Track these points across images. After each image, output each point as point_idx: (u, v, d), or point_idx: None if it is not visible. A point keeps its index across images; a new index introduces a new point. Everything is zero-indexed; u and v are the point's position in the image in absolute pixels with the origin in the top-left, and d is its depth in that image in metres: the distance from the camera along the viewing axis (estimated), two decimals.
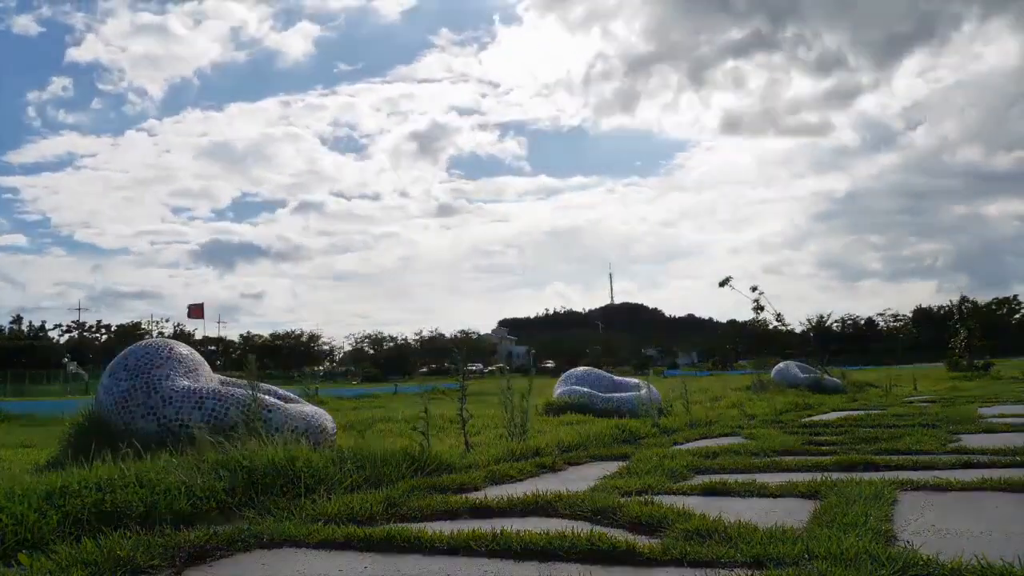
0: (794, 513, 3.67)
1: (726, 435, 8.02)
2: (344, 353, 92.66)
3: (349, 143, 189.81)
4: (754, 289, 21.52)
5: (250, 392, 5.78)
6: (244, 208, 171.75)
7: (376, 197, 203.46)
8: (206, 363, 6.92)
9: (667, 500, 3.91)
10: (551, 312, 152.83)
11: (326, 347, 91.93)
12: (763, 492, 4.26)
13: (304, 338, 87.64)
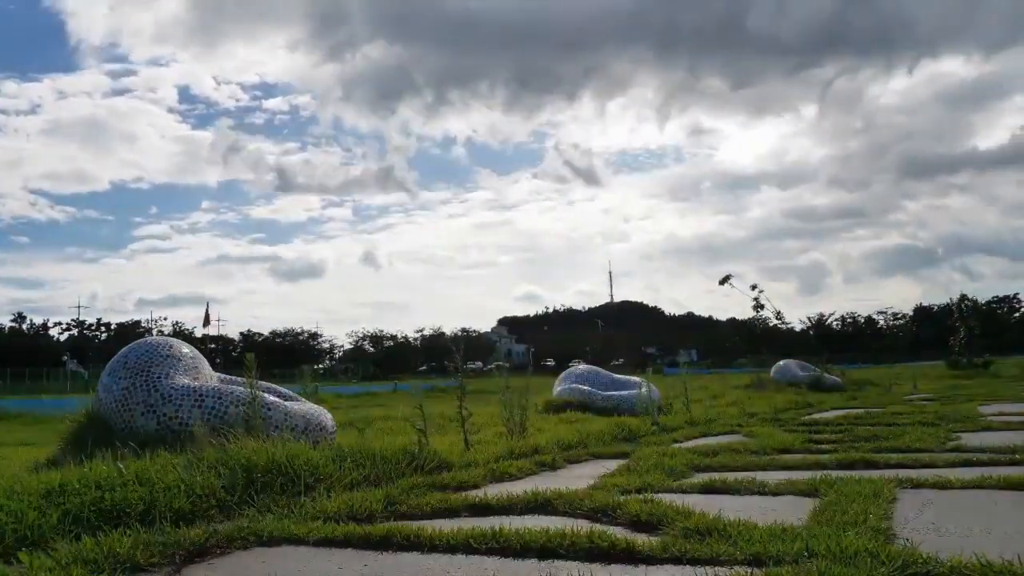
0: (794, 511, 3.67)
1: (726, 433, 8.02)
2: (343, 351, 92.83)
3: (208, 119, 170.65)
4: (754, 287, 21.59)
5: (249, 390, 5.78)
6: (135, 196, 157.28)
7: (285, 186, 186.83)
8: (206, 361, 6.92)
9: (667, 498, 3.91)
10: (551, 311, 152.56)
11: (326, 345, 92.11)
12: (763, 490, 4.27)
13: (304, 336, 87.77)
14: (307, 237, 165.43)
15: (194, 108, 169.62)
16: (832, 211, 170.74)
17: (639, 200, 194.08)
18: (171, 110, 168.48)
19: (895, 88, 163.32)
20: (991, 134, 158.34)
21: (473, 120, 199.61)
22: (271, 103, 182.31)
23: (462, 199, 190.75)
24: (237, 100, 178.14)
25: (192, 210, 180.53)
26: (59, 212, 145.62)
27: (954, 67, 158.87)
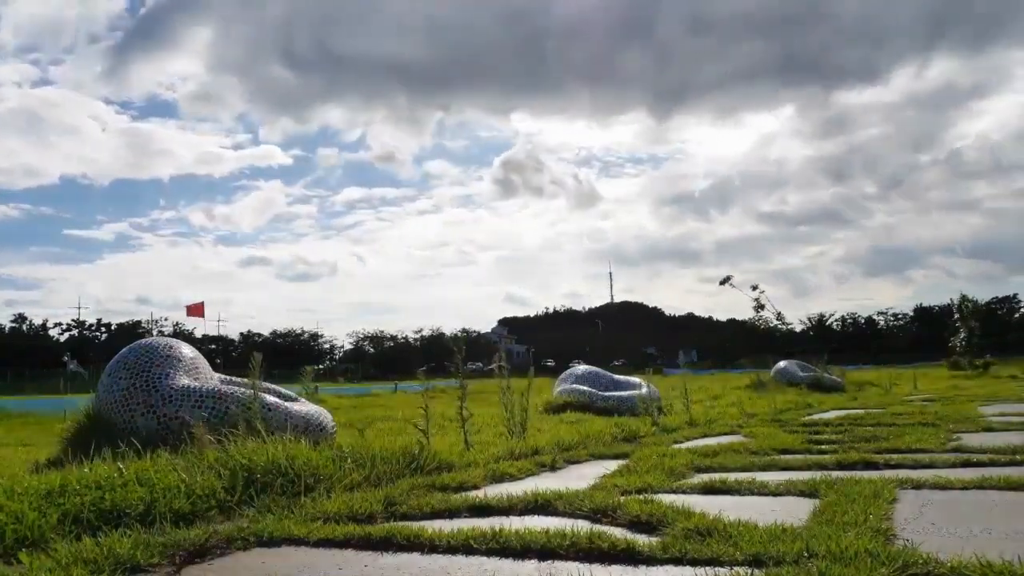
0: (794, 511, 3.67)
1: (726, 434, 8.02)
2: (344, 351, 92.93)
3: (151, 110, 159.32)
4: (754, 288, 21.63)
5: (250, 391, 5.78)
6: (88, 192, 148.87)
7: (247, 174, 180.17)
8: (206, 361, 6.92)
9: (667, 498, 3.91)
10: (551, 311, 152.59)
11: (327, 345, 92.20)
12: (763, 490, 4.26)
13: (304, 336, 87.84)
14: (276, 234, 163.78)
15: (132, 101, 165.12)
16: (813, 214, 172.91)
17: (622, 201, 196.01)
18: (108, 101, 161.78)
19: (869, 93, 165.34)
20: (963, 138, 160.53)
21: (436, 121, 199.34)
22: (215, 95, 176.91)
23: (428, 196, 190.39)
24: (175, 92, 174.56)
25: (152, 207, 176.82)
26: (14, 209, 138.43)
27: (929, 71, 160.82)
